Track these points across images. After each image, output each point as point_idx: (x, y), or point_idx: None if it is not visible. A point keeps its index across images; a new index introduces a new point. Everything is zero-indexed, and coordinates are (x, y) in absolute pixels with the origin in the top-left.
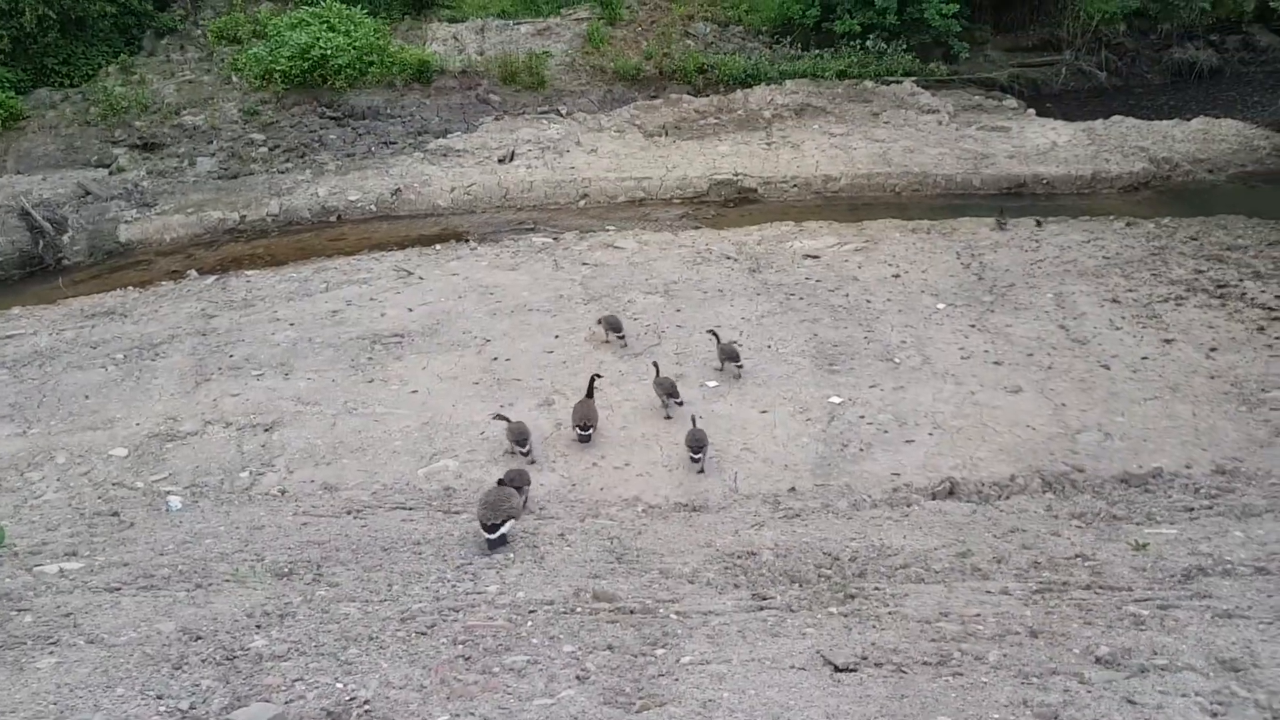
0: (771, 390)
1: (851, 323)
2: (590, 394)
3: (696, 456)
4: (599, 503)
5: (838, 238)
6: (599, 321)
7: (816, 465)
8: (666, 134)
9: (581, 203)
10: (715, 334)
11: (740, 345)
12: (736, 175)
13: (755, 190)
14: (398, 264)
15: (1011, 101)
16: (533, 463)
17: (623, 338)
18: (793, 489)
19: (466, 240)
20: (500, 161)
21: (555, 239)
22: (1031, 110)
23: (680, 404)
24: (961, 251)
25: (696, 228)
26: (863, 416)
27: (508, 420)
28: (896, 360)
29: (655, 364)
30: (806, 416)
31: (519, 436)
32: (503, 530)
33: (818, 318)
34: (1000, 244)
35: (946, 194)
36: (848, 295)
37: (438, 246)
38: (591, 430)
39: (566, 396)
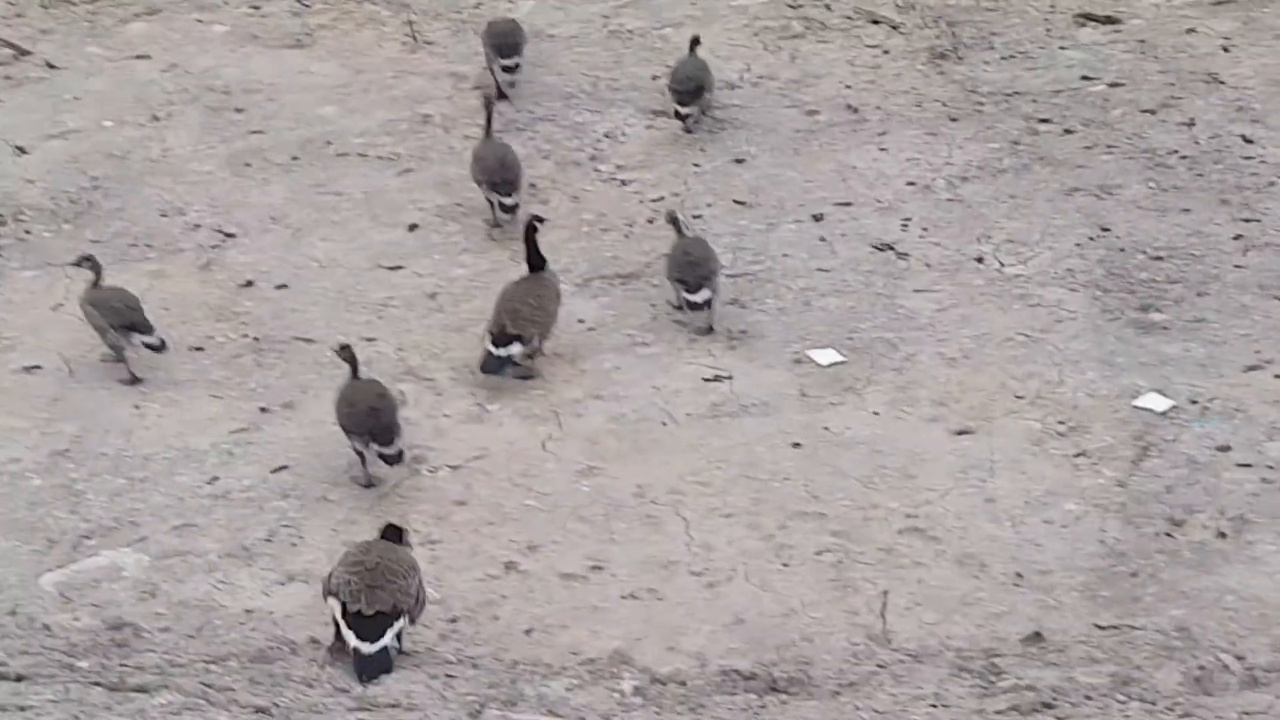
0: (985, 372)
1: (1202, 198)
2: (537, 260)
3: (696, 300)
4: (523, 666)
5: None
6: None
7: (1100, 576)
8: None
9: None
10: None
11: (896, 246)
12: None
13: None
14: None
15: None
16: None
17: (515, 68)
18: (1034, 639)
19: None
20: None
21: None
22: None
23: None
24: None
25: None
26: (1224, 448)
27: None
28: None
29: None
30: (1076, 444)
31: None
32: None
33: (1112, 184)
34: None
35: None
36: (1192, 125)
37: None
38: (518, 344)
39: (436, 388)
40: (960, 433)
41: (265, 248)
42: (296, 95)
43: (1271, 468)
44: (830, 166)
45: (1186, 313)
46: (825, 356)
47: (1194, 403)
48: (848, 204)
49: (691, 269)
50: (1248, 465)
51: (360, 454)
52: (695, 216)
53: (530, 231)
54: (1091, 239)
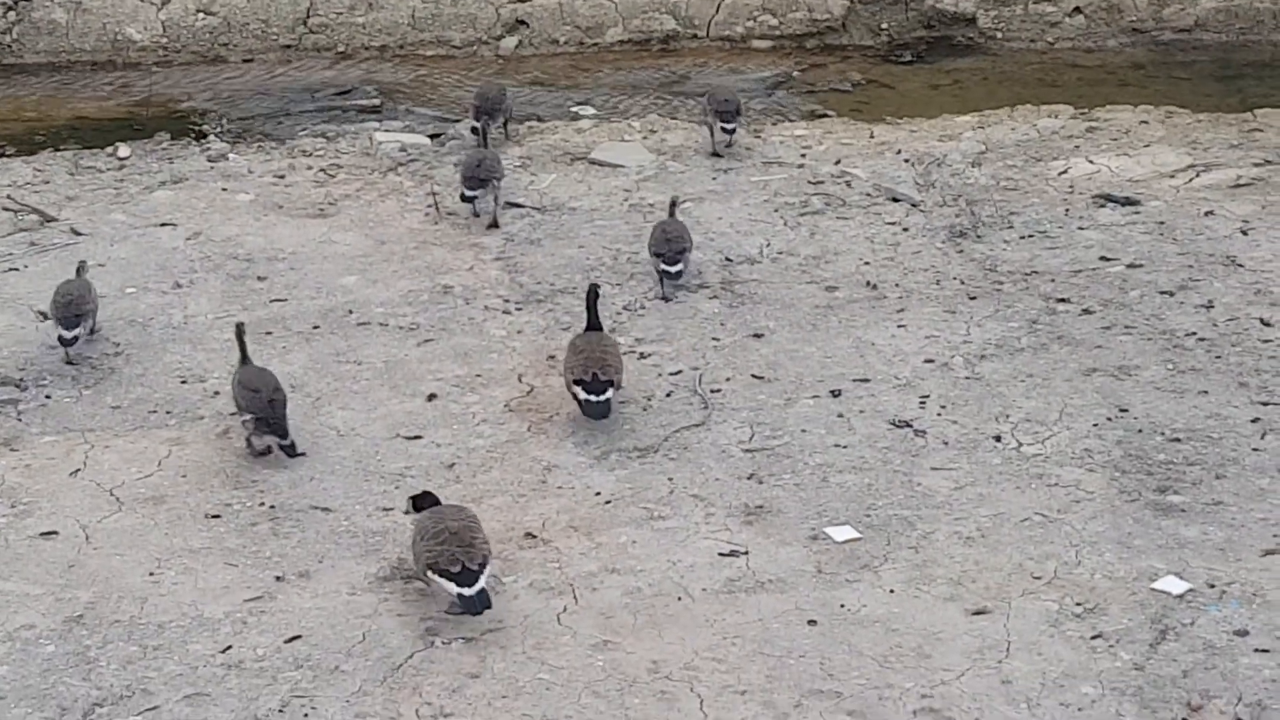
0: (1001, 552)
1: (1220, 380)
2: (595, 322)
3: (671, 271)
4: None
5: (1185, 152)
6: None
7: None
8: None
9: (509, 43)
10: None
11: (914, 424)
12: None
13: (969, 19)
14: (13, 198)
15: None
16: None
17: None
18: None
19: (201, 134)
20: None
21: (436, 137)
22: None
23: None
24: None
25: (812, 115)
26: (1242, 633)
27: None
28: None
29: None
30: (1093, 626)
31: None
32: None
33: (1130, 365)
34: None
35: None
36: (1210, 306)
37: (123, 150)
38: (611, 389)
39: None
40: (976, 613)
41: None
42: (319, 264)
43: None
44: (849, 343)
45: (1204, 495)
46: (841, 533)
47: (1212, 586)
48: (866, 380)
49: (668, 245)
50: (1266, 651)
51: (250, 439)
52: (714, 390)
53: (592, 298)
54: (1109, 420)
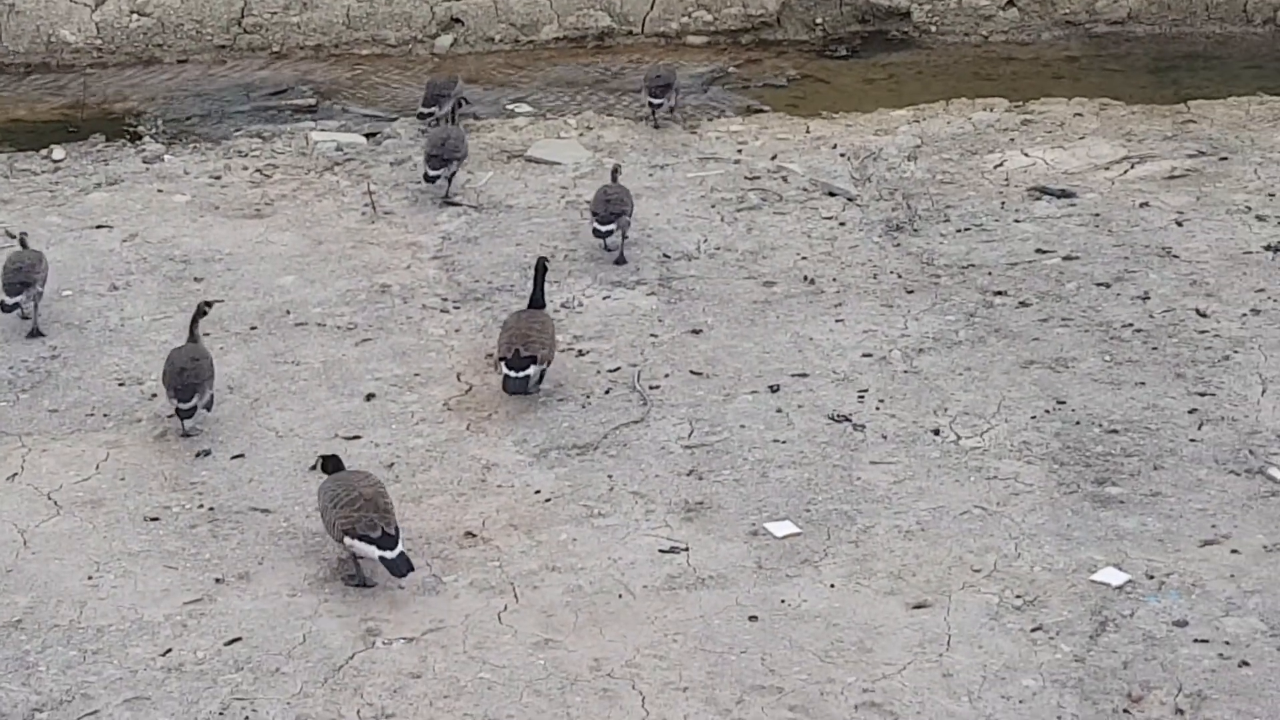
0: (941, 545)
1: (1157, 371)
2: (539, 298)
3: (601, 230)
4: None
5: (1120, 144)
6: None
7: None
8: None
9: (444, 41)
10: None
11: (853, 418)
12: None
13: (904, 14)
14: None
15: None
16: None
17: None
18: None
19: (136, 136)
20: None
21: (372, 136)
22: None
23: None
24: None
25: (748, 111)
26: (1181, 623)
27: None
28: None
29: None
30: (1033, 618)
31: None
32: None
33: (1068, 357)
34: None
35: None
36: (1146, 298)
37: (58, 153)
38: (533, 364)
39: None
40: (917, 606)
41: (222, 417)
42: (256, 265)
43: (1229, 643)
44: (787, 338)
45: (1143, 486)
46: (781, 529)
47: (1151, 577)
48: (804, 375)
49: (605, 206)
50: (1205, 641)
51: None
52: (653, 387)
53: (540, 271)
54: (1047, 412)
